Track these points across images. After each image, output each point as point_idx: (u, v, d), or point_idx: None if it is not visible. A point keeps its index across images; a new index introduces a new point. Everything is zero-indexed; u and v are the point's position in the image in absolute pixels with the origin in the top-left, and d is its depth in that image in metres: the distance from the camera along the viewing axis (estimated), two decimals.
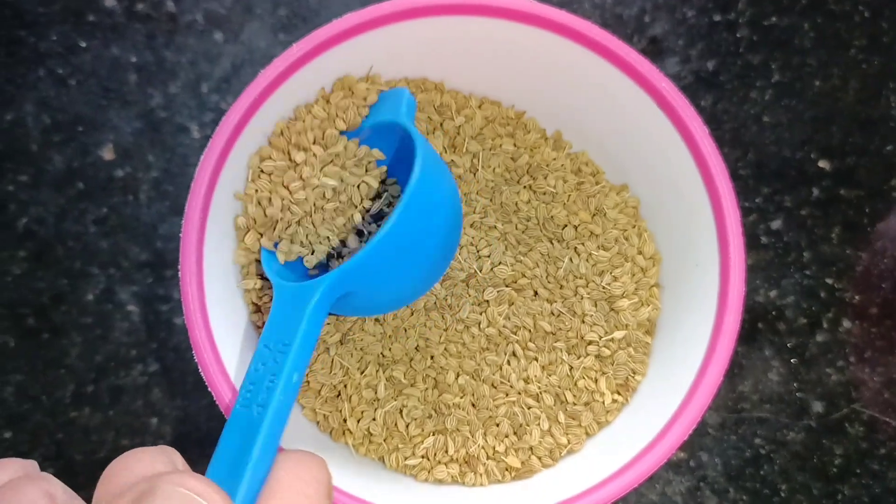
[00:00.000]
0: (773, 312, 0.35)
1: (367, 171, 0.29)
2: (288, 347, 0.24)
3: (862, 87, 0.36)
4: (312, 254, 0.28)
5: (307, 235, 0.28)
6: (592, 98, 0.30)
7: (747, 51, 0.37)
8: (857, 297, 0.35)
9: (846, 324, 0.34)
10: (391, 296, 0.28)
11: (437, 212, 0.27)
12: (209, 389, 0.25)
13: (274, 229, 0.28)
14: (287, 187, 0.28)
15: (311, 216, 0.28)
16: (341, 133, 0.29)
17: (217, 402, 0.25)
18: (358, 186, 0.28)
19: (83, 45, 0.36)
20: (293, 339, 0.24)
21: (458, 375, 0.29)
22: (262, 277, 0.29)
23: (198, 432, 0.33)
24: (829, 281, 0.35)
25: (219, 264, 0.28)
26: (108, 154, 0.35)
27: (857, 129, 0.36)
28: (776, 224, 0.35)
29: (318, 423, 0.29)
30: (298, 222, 0.28)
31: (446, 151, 0.31)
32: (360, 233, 0.28)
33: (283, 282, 0.26)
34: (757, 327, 0.34)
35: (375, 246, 0.25)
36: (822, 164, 0.36)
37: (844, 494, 0.33)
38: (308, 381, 0.29)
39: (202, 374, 0.25)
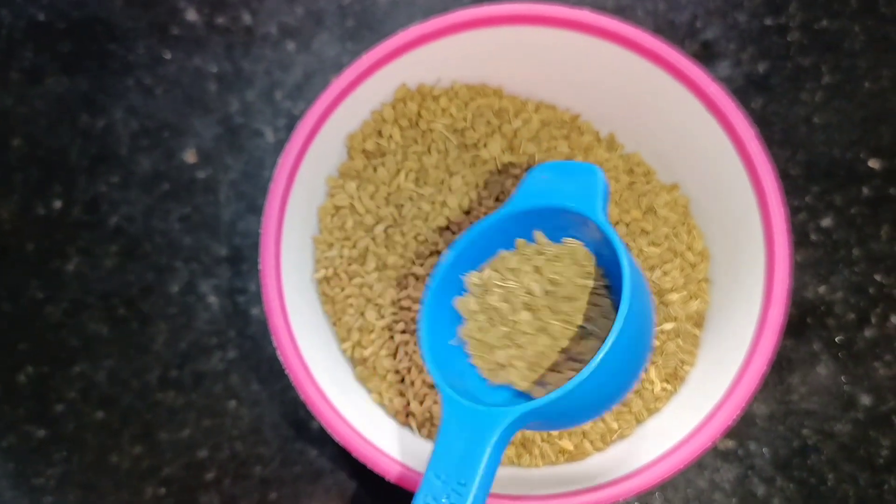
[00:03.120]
0: (822, 308, 0.35)
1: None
2: (465, 488, 0.22)
3: None
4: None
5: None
6: (644, 102, 0.32)
7: (798, 54, 0.38)
8: None
9: (894, 319, 0.35)
10: (577, 417, 0.26)
11: (642, 333, 0.25)
12: (286, 372, 0.28)
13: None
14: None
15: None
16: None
17: (293, 384, 0.28)
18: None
19: (168, 56, 0.39)
20: (472, 477, 0.22)
21: None
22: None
23: (270, 415, 0.35)
24: (878, 277, 0.36)
25: (293, 256, 0.30)
26: (190, 157, 0.38)
27: None
28: (826, 222, 0.36)
29: (383, 406, 0.31)
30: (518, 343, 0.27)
31: (504, 153, 0.33)
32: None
33: (461, 400, 0.24)
34: (806, 322, 0.35)
35: (587, 377, 0.23)
36: (872, 163, 0.37)
37: (891, 485, 0.34)
38: (374, 367, 0.31)
39: (279, 356, 0.28)
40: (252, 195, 0.37)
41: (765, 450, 0.34)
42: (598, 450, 0.31)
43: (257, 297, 0.36)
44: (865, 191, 0.36)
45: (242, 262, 0.37)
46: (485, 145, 0.33)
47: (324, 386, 0.28)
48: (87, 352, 0.36)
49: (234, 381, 0.35)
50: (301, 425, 0.35)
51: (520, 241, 0.28)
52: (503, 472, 0.30)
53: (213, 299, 0.36)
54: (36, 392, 0.36)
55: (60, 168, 0.38)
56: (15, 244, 0.37)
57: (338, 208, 0.32)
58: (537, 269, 0.27)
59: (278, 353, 0.28)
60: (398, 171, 0.32)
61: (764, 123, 0.37)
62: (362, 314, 0.31)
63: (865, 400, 0.35)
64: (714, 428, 0.27)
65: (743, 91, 0.37)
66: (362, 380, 0.31)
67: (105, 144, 0.38)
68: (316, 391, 0.28)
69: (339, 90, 0.30)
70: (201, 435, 0.35)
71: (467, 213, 0.32)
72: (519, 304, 0.27)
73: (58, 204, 0.37)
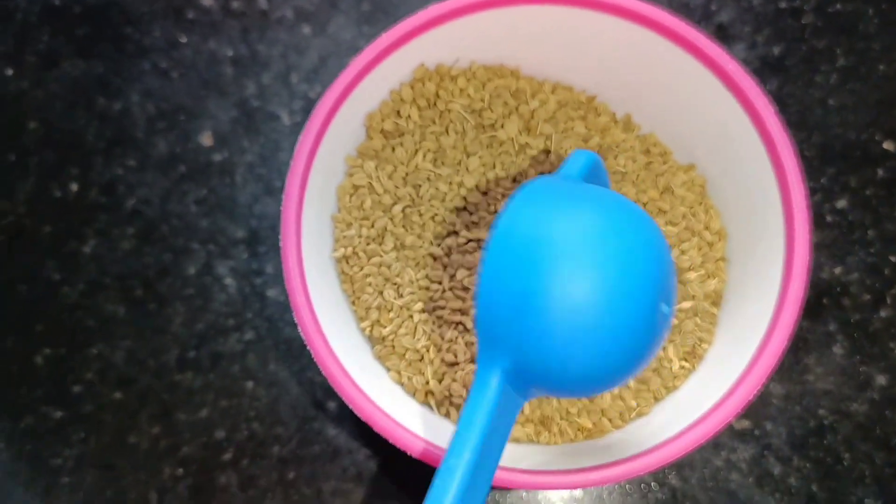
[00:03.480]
0: (838, 288, 0.36)
1: None
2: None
3: None
4: None
5: None
6: (661, 81, 0.32)
7: (812, 36, 0.38)
8: None
9: None
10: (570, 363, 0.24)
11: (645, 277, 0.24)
12: (307, 349, 0.28)
13: None
14: None
15: None
16: None
17: (315, 360, 0.28)
18: None
19: (183, 40, 0.39)
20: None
21: None
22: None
23: (288, 395, 0.35)
24: (893, 258, 0.36)
25: (313, 234, 0.30)
26: (207, 140, 0.38)
27: None
28: (841, 203, 0.36)
29: (402, 384, 0.31)
30: None
31: (521, 134, 0.33)
32: None
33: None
34: (822, 303, 0.35)
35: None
36: (887, 145, 0.37)
37: None
38: (393, 346, 0.31)
39: (301, 333, 0.28)
40: (268, 178, 0.37)
41: (781, 429, 0.34)
42: (616, 427, 0.31)
43: (274, 279, 0.36)
44: (880, 172, 0.36)
45: (259, 244, 0.37)
46: (502, 126, 0.33)
47: (345, 363, 0.28)
48: (104, 333, 0.36)
49: (252, 361, 0.36)
50: (318, 406, 0.35)
51: None
52: (522, 448, 0.30)
53: (229, 281, 0.36)
54: (53, 373, 0.36)
55: (77, 151, 0.38)
56: (31, 226, 0.37)
57: (356, 188, 0.32)
58: None
59: (300, 329, 0.28)
60: (416, 152, 0.32)
61: (779, 105, 0.37)
62: (381, 293, 0.31)
63: (881, 380, 0.35)
64: (733, 404, 0.27)
65: (758, 73, 0.37)
66: (381, 358, 0.31)
67: (121, 127, 0.38)
68: (338, 367, 0.28)
69: (359, 70, 0.30)
70: (219, 415, 0.35)
71: (484, 193, 0.32)
72: None
73: (74, 186, 0.37)
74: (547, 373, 0.23)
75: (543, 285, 0.22)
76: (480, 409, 0.23)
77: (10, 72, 0.39)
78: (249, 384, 0.35)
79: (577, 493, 0.35)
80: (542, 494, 0.34)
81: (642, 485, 0.34)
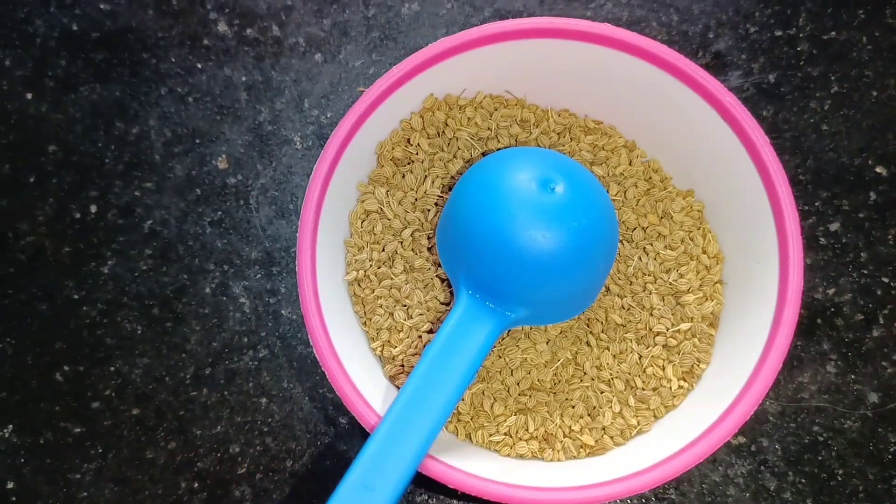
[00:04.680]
0: (832, 309, 0.37)
1: None
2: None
3: None
4: None
5: None
6: (661, 111, 0.33)
7: (807, 64, 0.39)
8: None
9: None
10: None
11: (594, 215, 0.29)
12: (321, 367, 0.29)
13: None
14: None
15: None
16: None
17: (328, 378, 0.29)
18: None
19: (199, 66, 0.40)
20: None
21: (537, 365, 0.32)
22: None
23: (301, 411, 0.36)
24: (886, 280, 0.37)
25: (326, 258, 0.31)
26: (222, 164, 0.39)
27: None
28: (834, 226, 0.38)
29: None
30: None
31: None
32: None
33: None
34: (816, 323, 0.37)
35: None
36: (880, 169, 0.38)
37: None
38: (403, 365, 0.32)
39: (316, 353, 0.29)
40: (282, 200, 0.39)
41: (776, 446, 0.36)
42: (617, 445, 0.32)
43: (287, 299, 0.38)
44: (873, 196, 0.38)
45: (273, 265, 0.38)
46: None
47: (356, 382, 0.30)
48: (123, 351, 0.37)
49: (265, 379, 0.37)
50: (331, 422, 0.36)
51: None
52: (526, 465, 0.32)
53: (244, 300, 0.38)
54: (72, 390, 0.37)
55: (95, 173, 0.39)
56: (51, 247, 0.38)
57: (368, 213, 0.33)
58: None
59: (314, 350, 0.29)
60: (425, 178, 0.34)
61: (774, 131, 0.38)
62: (391, 314, 0.33)
63: (874, 397, 0.36)
64: (731, 423, 0.28)
65: (754, 100, 0.39)
66: (391, 377, 0.32)
67: (139, 151, 0.39)
68: (350, 386, 0.29)
69: (371, 101, 0.31)
70: (234, 431, 0.36)
71: None
72: None
73: (93, 208, 0.39)
74: (496, 282, 0.29)
75: (489, 216, 0.29)
76: (448, 319, 0.30)
77: (29, 95, 0.40)
78: (263, 400, 0.37)
79: None
80: None
81: (642, 499, 0.36)
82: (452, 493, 0.36)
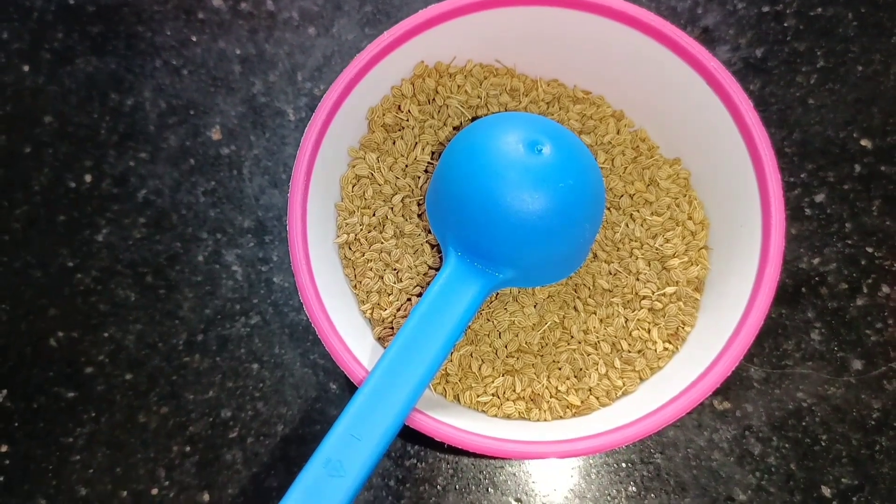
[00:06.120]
0: (816, 278, 0.37)
1: None
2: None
3: None
4: None
5: None
6: (649, 80, 0.34)
7: (794, 39, 0.40)
8: (895, 265, 0.37)
9: (885, 289, 0.37)
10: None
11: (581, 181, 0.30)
12: (312, 327, 0.30)
13: None
14: None
15: None
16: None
17: (319, 336, 0.30)
18: None
19: (194, 39, 0.41)
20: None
21: (525, 328, 0.33)
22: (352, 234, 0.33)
23: (292, 377, 0.37)
24: (870, 249, 0.38)
25: (317, 221, 0.32)
26: (215, 134, 0.40)
27: None
28: (819, 197, 0.38)
29: None
30: None
31: None
32: None
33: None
34: (801, 291, 0.37)
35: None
36: (864, 142, 0.39)
37: (882, 445, 0.36)
38: (392, 328, 0.33)
39: (307, 312, 0.30)
40: (274, 170, 0.39)
41: (761, 411, 0.36)
42: (603, 405, 0.32)
43: (279, 267, 0.38)
44: (857, 168, 0.38)
45: (265, 234, 0.38)
46: None
47: (347, 341, 0.30)
48: (116, 317, 0.38)
49: (256, 345, 0.37)
50: (321, 387, 0.37)
51: None
52: (513, 424, 0.32)
53: (236, 268, 0.38)
54: (66, 355, 0.37)
55: (90, 144, 0.40)
56: (46, 215, 0.39)
57: (359, 178, 0.34)
58: None
59: (305, 308, 0.30)
60: (415, 145, 0.34)
61: (761, 104, 0.39)
62: (381, 278, 0.33)
63: (857, 364, 0.36)
64: (712, 380, 0.29)
65: (741, 74, 0.39)
66: (381, 339, 0.33)
67: (133, 122, 0.40)
68: (341, 344, 0.29)
69: (361, 66, 0.32)
70: (225, 396, 0.37)
71: None
72: None
73: (88, 178, 0.39)
74: (483, 241, 0.30)
75: (475, 179, 0.30)
76: (436, 279, 0.30)
77: (26, 68, 0.41)
78: (255, 366, 0.37)
79: (567, 470, 0.36)
80: (532, 471, 0.36)
81: (629, 463, 0.36)
82: (440, 446, 0.36)
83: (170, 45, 0.41)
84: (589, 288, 0.33)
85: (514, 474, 0.36)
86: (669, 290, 0.33)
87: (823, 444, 0.36)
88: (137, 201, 0.39)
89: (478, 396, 0.32)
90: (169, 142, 0.39)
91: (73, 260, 0.38)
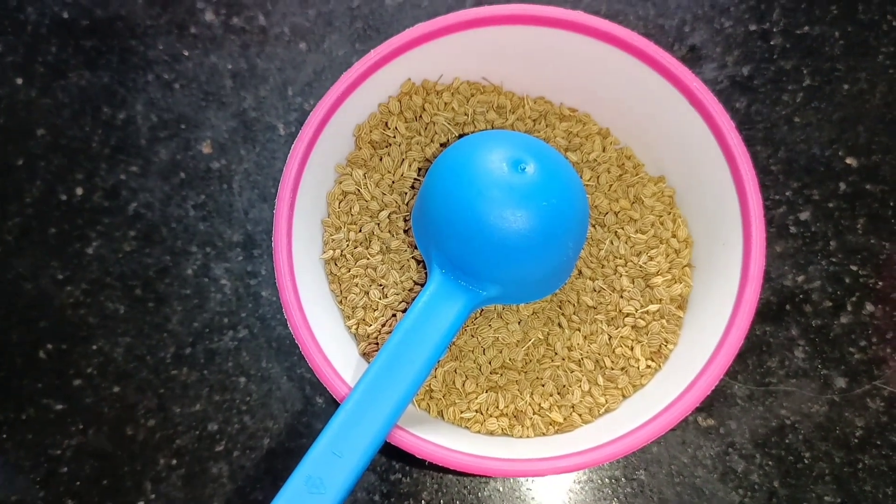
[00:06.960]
0: (801, 296, 0.38)
1: None
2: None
3: (888, 91, 0.39)
4: None
5: None
6: (634, 98, 0.34)
7: (780, 57, 0.40)
8: (880, 283, 0.37)
9: (869, 307, 0.37)
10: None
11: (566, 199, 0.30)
12: (296, 343, 0.30)
13: None
14: None
15: None
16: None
17: (303, 353, 0.30)
18: None
19: (186, 53, 0.41)
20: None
21: (509, 344, 0.33)
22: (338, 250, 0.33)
23: (279, 391, 0.37)
24: (854, 268, 0.38)
25: (303, 236, 0.32)
26: (206, 148, 0.40)
27: (882, 130, 0.39)
28: (804, 215, 0.38)
29: None
30: None
31: None
32: None
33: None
34: (785, 309, 0.37)
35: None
36: (849, 160, 0.39)
37: (865, 463, 0.36)
38: (377, 343, 0.33)
39: (291, 329, 0.30)
40: (264, 185, 0.39)
41: (745, 428, 0.36)
42: (586, 422, 0.32)
43: (267, 281, 0.38)
44: (842, 186, 0.39)
45: (254, 248, 0.39)
46: None
47: (331, 357, 0.30)
48: (105, 330, 0.38)
49: (244, 358, 0.38)
50: (307, 401, 0.37)
51: None
52: (496, 441, 0.32)
53: (225, 282, 0.38)
54: (55, 367, 0.38)
55: (82, 157, 0.40)
56: (37, 227, 0.39)
57: (345, 194, 0.34)
58: None
59: (289, 324, 0.30)
60: (402, 161, 0.34)
61: (747, 123, 0.39)
62: (367, 293, 0.33)
63: (840, 382, 0.37)
64: (693, 397, 0.29)
65: (728, 92, 0.40)
66: (366, 354, 0.33)
67: (125, 135, 0.40)
68: (324, 361, 0.30)
69: (349, 83, 0.32)
70: (212, 409, 0.37)
71: None
72: None
73: (79, 190, 0.39)
74: (467, 259, 0.30)
75: (460, 196, 0.30)
76: (421, 295, 0.30)
77: (19, 81, 0.41)
78: (242, 380, 0.37)
79: (551, 486, 0.36)
80: (517, 487, 0.36)
81: (612, 479, 0.36)
82: (422, 464, 0.36)
83: (162, 60, 0.41)
84: (573, 305, 0.34)
85: (499, 489, 0.36)
86: (653, 307, 0.33)
87: (807, 461, 0.36)
88: (128, 214, 0.39)
89: (461, 412, 0.33)
90: (160, 155, 0.40)
91: (63, 272, 0.39)
